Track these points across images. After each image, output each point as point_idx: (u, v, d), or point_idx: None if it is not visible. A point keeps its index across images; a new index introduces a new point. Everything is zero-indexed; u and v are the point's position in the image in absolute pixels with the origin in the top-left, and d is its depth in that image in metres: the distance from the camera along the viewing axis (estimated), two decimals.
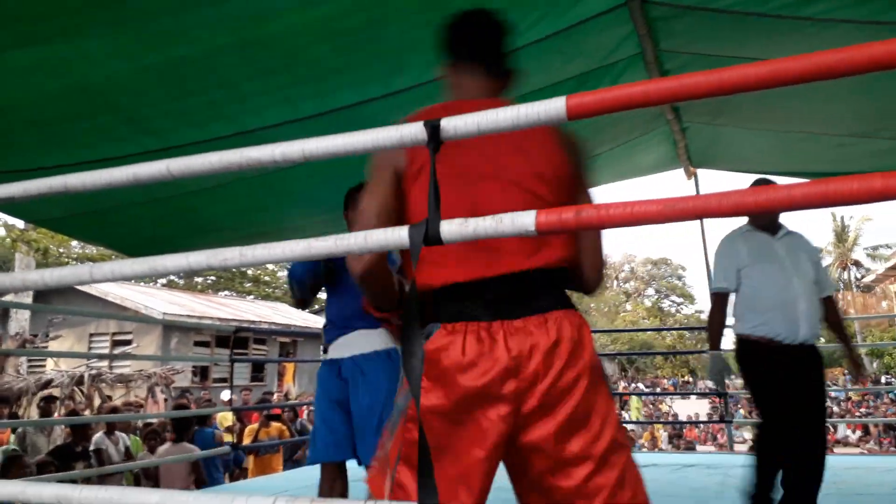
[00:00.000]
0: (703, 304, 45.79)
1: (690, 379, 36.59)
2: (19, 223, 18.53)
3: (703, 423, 16.40)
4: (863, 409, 20.24)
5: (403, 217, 1.31)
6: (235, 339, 5.08)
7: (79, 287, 13.39)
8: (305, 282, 2.60)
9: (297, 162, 0.94)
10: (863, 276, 34.75)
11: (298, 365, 16.77)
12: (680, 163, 5.42)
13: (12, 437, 6.71)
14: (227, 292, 28.53)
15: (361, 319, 2.46)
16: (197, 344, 16.43)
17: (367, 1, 2.17)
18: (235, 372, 5.62)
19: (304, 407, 9.10)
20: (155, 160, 1.05)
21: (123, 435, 6.31)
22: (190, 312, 16.03)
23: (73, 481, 4.62)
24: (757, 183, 2.84)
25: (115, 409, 8.45)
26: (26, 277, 1.19)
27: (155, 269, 1.00)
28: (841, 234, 35.71)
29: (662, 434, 15.85)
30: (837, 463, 4.72)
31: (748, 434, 16.07)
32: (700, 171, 5.75)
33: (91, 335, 15.83)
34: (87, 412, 9.57)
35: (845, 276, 35.49)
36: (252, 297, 27.53)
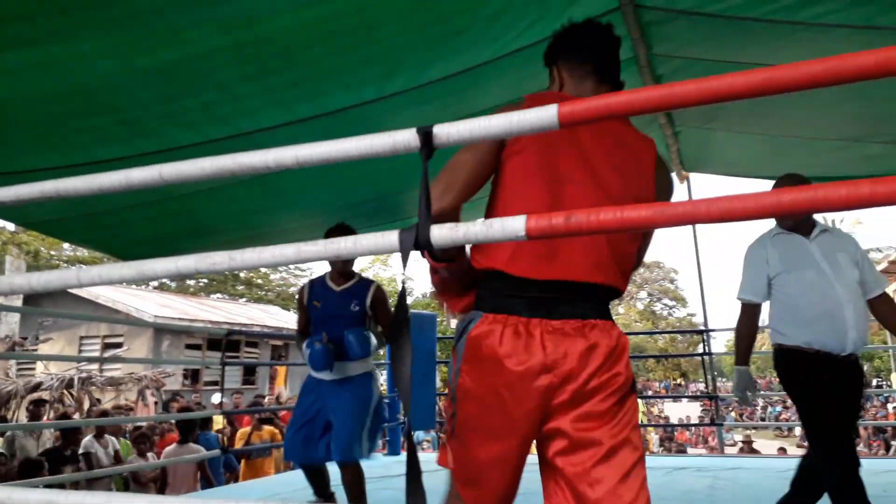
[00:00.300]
0: (695, 308, 45.98)
1: (682, 382, 36.70)
2: (9, 226, 18.41)
3: (694, 425, 16.44)
4: None
5: (483, 184, 1.39)
6: (227, 341, 5.06)
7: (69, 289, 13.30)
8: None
9: (291, 167, 0.94)
10: None
11: (290, 368, 16.71)
12: (672, 167, 5.44)
13: (0, 441, 6.65)
14: (219, 295, 28.41)
15: (341, 356, 3.07)
16: (188, 347, 16.35)
17: (361, 3, 2.17)
18: (227, 375, 5.62)
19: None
20: (148, 162, 1.04)
21: (113, 438, 6.27)
22: (181, 315, 15.96)
23: (62, 485, 4.59)
24: (784, 179, 2.60)
25: (104, 413, 8.40)
26: (13, 281, 1.18)
27: (143, 273, 0.99)
28: None
29: (653, 437, 15.89)
30: None
31: (738, 436, 16.12)
32: (692, 175, 5.78)
33: (81, 338, 15.73)
34: (76, 415, 9.50)
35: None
36: (244, 299, 27.43)
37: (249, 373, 17.69)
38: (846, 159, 4.22)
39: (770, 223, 2.82)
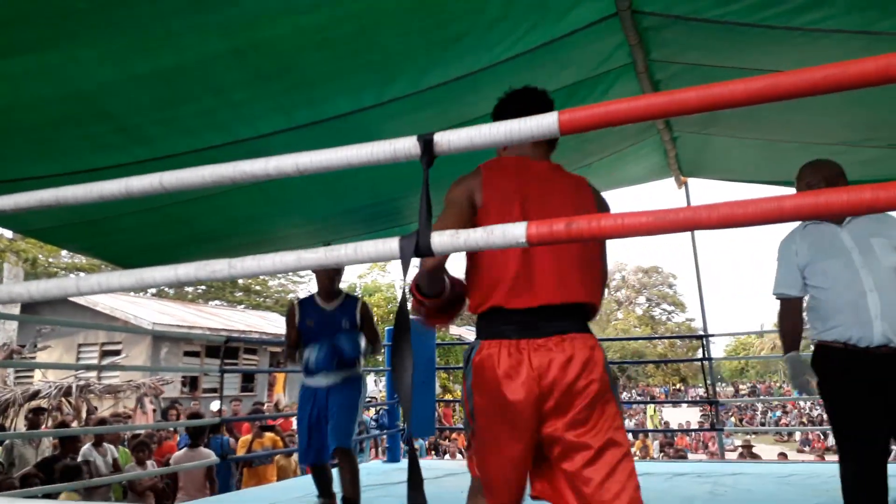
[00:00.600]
0: (694, 313, 45.98)
1: (681, 387, 36.66)
2: (7, 233, 18.38)
3: (694, 431, 16.44)
4: None
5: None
6: (226, 348, 5.05)
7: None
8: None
9: (291, 175, 0.94)
10: None
11: (289, 375, 16.67)
12: (671, 172, 5.45)
13: None
14: (217, 302, 28.38)
15: (334, 367, 3.38)
16: (187, 354, 16.32)
17: (360, 8, 2.17)
18: (225, 382, 5.63)
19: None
20: (146, 169, 1.04)
21: (111, 447, 6.25)
22: (180, 322, 15.93)
23: (60, 494, 4.57)
24: (815, 163, 2.56)
25: (102, 420, 8.37)
26: (12, 290, 1.17)
27: (143, 281, 0.99)
28: None
29: (654, 443, 15.88)
30: (829, 470, 4.74)
31: (738, 441, 16.10)
32: (690, 181, 5.79)
33: (80, 345, 15.69)
34: (74, 423, 9.47)
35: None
36: (243, 306, 27.41)
37: (248, 380, 17.64)
38: (843, 164, 4.21)
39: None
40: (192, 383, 16.23)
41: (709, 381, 5.80)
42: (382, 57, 2.49)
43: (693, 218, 0.74)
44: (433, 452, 12.24)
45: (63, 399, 10.26)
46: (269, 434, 7.04)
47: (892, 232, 2.44)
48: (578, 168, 4.56)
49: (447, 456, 11.55)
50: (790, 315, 2.61)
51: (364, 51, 2.42)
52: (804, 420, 21.59)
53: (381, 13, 2.23)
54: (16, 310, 12.39)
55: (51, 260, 24.63)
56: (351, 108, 2.74)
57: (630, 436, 15.24)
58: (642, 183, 6.06)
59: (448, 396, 17.18)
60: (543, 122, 0.86)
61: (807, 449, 17.92)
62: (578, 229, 0.76)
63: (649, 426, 17.05)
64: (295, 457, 7.03)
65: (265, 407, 11.94)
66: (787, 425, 21.57)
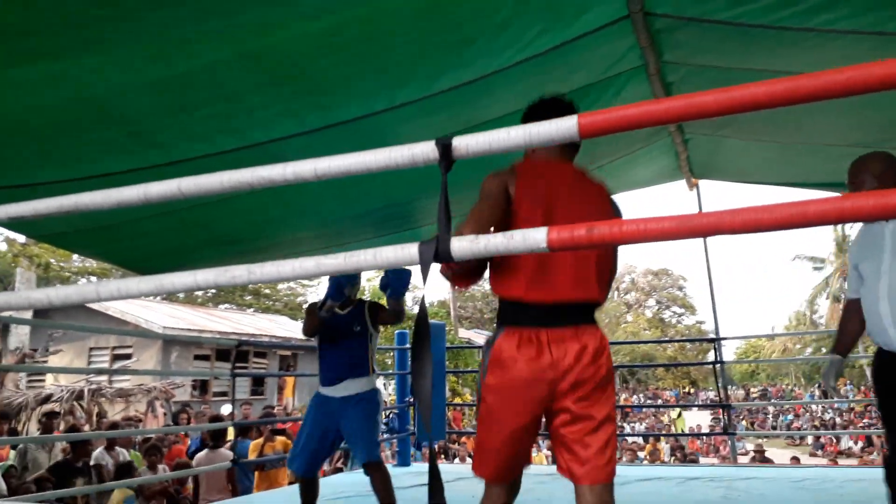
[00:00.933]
0: (704, 315, 45.77)
1: (692, 390, 36.46)
2: (20, 238, 18.51)
3: (706, 435, 16.31)
4: (865, 420, 20.16)
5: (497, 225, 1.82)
6: (236, 352, 5.07)
7: None
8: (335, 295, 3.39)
9: (310, 180, 0.94)
10: None
11: (298, 378, 16.70)
12: (682, 174, 5.43)
13: (12, 454, 6.67)
14: (227, 305, 28.47)
15: (348, 374, 3.37)
16: (197, 357, 16.37)
17: (371, 13, 2.18)
18: (236, 386, 5.65)
19: None
20: (160, 174, 1.05)
21: (123, 450, 6.28)
22: (190, 326, 15.99)
23: (73, 498, 4.59)
24: (860, 159, 2.51)
25: (114, 424, 8.41)
26: (31, 296, 1.18)
27: (162, 286, 0.99)
28: (842, 245, 35.65)
29: (664, 446, 15.77)
30: (842, 475, 4.70)
31: (750, 445, 15.99)
32: (701, 182, 5.76)
33: (91, 349, 15.78)
34: (86, 427, 9.52)
35: (846, 286, 35.35)
36: (252, 309, 27.48)
37: (258, 383, 17.69)
38: None
39: None
40: (202, 387, 16.29)
41: (721, 385, 5.77)
42: (394, 61, 2.50)
43: (717, 223, 0.73)
44: (443, 456, 12.22)
45: (75, 403, 10.32)
46: (280, 438, 7.04)
47: None
48: (589, 171, 4.55)
49: (457, 460, 11.53)
50: (846, 316, 2.60)
51: (375, 55, 2.42)
52: (816, 423, 21.44)
53: (392, 17, 2.24)
54: (28, 314, 12.48)
55: (62, 264, 24.79)
56: (363, 112, 2.74)
57: (640, 439, 15.13)
58: (653, 185, 6.03)
59: (457, 400, 17.16)
60: (562, 126, 0.86)
61: (819, 453, 17.77)
62: (601, 234, 0.76)
63: (675, 430, 16.92)
64: None
65: (276, 410, 11.96)
66: (798, 429, 21.41)
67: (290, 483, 6.77)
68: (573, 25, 2.65)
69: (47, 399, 10.07)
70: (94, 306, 15.01)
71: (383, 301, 3.67)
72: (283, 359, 18.74)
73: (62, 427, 9.02)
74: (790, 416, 23.60)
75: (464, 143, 0.89)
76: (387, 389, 17.23)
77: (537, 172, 1.90)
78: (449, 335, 16.00)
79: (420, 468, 4.86)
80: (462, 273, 1.80)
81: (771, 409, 24.33)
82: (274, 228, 4.16)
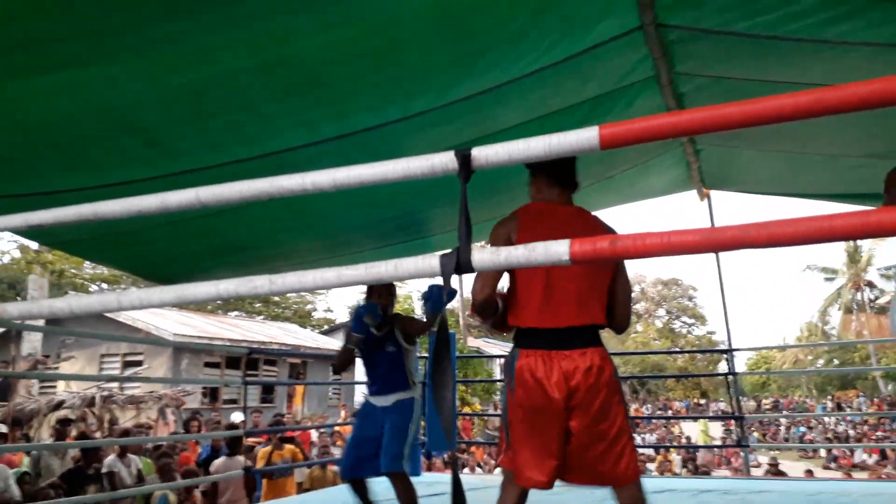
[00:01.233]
0: (715, 325, 45.46)
1: (703, 401, 36.16)
2: (34, 245, 18.66)
3: (719, 447, 16.15)
4: (879, 433, 19.92)
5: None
6: (247, 360, 5.08)
7: None
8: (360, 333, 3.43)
9: (328, 190, 0.94)
10: (877, 298, 34.36)
11: (308, 386, 16.69)
12: (693, 184, 5.40)
13: (26, 460, 6.69)
14: (237, 313, 28.55)
15: (390, 384, 3.51)
16: (207, 365, 16.42)
17: (386, 23, 2.19)
18: (247, 393, 5.69)
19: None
20: (176, 183, 1.05)
21: (135, 457, 6.29)
22: (200, 333, 16.04)
23: None
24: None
25: (126, 431, 8.44)
26: (53, 304, 1.19)
27: (184, 296, 1.00)
28: (854, 255, 35.38)
29: (675, 458, 15.61)
30: (858, 489, 4.64)
31: (762, 458, 15.81)
32: (713, 193, 5.72)
33: (102, 356, 15.85)
34: (98, 434, 9.55)
35: (859, 297, 35.10)
36: (262, 317, 27.55)
37: (268, 391, 17.71)
38: (872, 176, 4.14)
39: None
40: (212, 394, 16.31)
41: (733, 396, 5.72)
42: (409, 70, 2.50)
43: (741, 237, 0.73)
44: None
45: (87, 409, 10.36)
46: (288, 446, 7.03)
47: None
48: (600, 181, 4.54)
49: (466, 469, 11.48)
50: None
51: (390, 65, 2.43)
52: (829, 436, 21.19)
53: (407, 28, 2.25)
54: (40, 321, 12.54)
55: (73, 271, 24.97)
56: (377, 121, 2.75)
57: (651, 451, 14.98)
58: (664, 195, 6.01)
59: (466, 409, 17.08)
60: (583, 137, 0.86)
61: (833, 465, 17.56)
62: (624, 247, 0.76)
63: (700, 441, 16.76)
64: (330, 467, 7.27)
65: (286, 419, 11.96)
66: (811, 441, 21.18)
67: (300, 492, 6.77)
68: (586, 37, 2.66)
69: (59, 405, 10.11)
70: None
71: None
72: (293, 367, 18.76)
73: (74, 434, 9.06)
74: (803, 429, 23.35)
75: (483, 154, 0.89)
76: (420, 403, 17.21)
77: (540, 217, 2.13)
78: (458, 344, 15.96)
79: (430, 478, 4.84)
80: (498, 321, 2.11)
81: (783, 420, 24.10)
82: (284, 236, 4.17)
